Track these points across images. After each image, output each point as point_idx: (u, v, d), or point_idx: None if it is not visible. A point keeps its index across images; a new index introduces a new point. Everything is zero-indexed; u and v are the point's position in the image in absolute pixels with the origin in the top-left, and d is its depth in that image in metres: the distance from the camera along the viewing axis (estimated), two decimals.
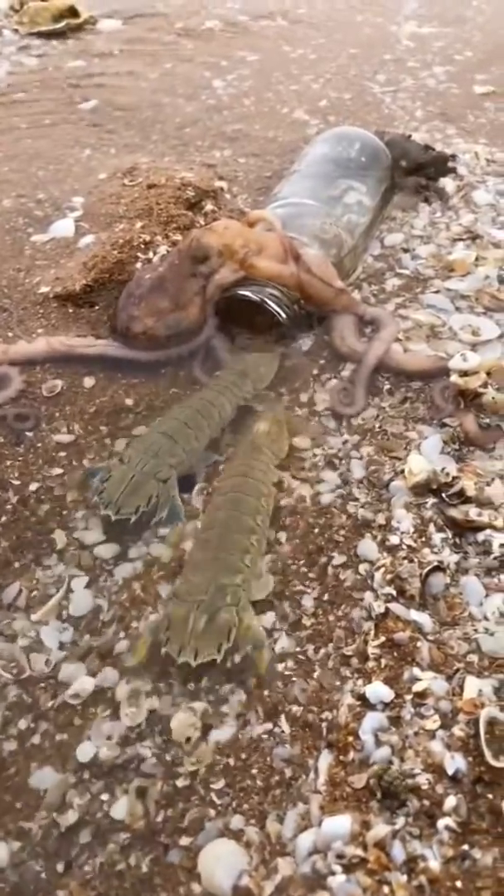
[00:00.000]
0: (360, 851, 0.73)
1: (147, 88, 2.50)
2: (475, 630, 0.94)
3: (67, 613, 1.03)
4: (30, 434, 1.25)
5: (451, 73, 2.61)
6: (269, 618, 0.99)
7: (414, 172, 1.85)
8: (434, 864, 0.72)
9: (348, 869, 0.72)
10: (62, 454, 1.23)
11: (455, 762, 0.79)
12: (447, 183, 1.86)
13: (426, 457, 1.15)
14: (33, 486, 1.18)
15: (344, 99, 2.42)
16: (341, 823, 0.76)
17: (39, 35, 2.92)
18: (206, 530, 1.05)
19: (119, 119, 2.30)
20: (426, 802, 0.77)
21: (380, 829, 0.74)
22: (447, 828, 0.75)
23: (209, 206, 1.74)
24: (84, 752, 0.89)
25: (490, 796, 0.77)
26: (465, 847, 0.73)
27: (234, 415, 1.25)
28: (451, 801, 0.76)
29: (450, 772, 0.79)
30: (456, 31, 2.98)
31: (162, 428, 1.18)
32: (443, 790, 0.78)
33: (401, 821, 0.76)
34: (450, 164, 1.91)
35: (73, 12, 2.97)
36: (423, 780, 0.78)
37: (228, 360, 1.33)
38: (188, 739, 0.87)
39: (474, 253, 1.60)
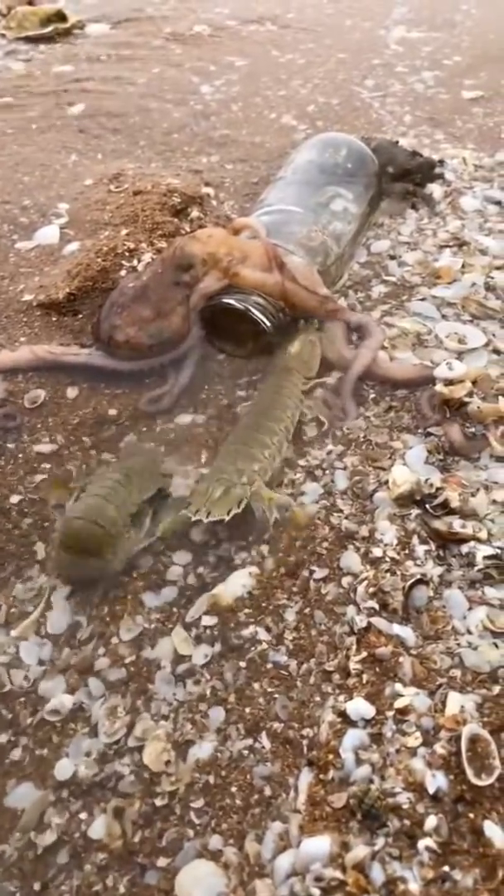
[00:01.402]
0: (338, 874, 0.72)
1: (135, 93, 2.49)
2: (458, 644, 0.93)
3: (45, 630, 1.02)
4: (11, 446, 1.24)
5: (439, 77, 2.61)
6: (252, 630, 0.98)
7: (401, 178, 1.84)
8: (414, 887, 0.71)
9: (327, 892, 0.71)
10: (45, 465, 1.22)
11: (436, 780, 0.78)
12: (434, 189, 1.85)
13: (410, 467, 1.14)
14: (14, 499, 1.16)
15: (332, 104, 2.41)
16: (320, 844, 0.75)
17: (27, 40, 2.91)
18: (233, 433, 1.20)
19: (106, 124, 2.29)
20: (406, 822, 0.76)
21: (359, 851, 0.73)
22: (427, 848, 0.74)
23: (195, 213, 1.73)
24: (62, 769, 0.88)
25: (471, 815, 0.76)
26: (446, 868, 0.72)
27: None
28: (431, 821, 0.75)
29: (431, 790, 0.77)
30: (445, 36, 2.98)
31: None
32: (423, 809, 0.77)
33: (380, 841, 0.75)
34: (437, 169, 1.91)
35: (60, 17, 2.97)
36: (404, 799, 0.77)
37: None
38: (167, 763, 0.86)
39: (461, 260, 1.59)
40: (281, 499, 1.09)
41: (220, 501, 1.05)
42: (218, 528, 1.09)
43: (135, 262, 1.52)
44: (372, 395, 1.30)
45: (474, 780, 0.77)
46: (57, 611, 1.04)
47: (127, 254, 1.52)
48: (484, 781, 0.77)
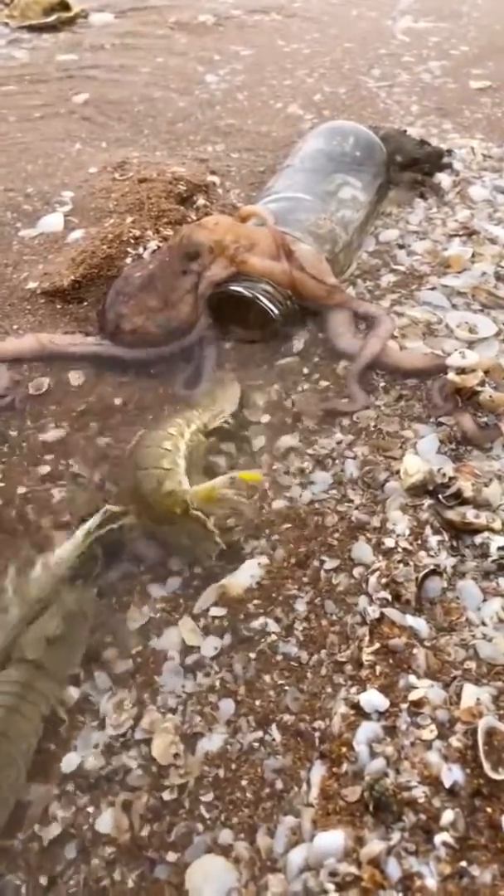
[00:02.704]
0: (353, 869, 0.70)
1: (139, 82, 2.46)
2: (473, 636, 0.91)
3: None
4: (14, 433, 1.22)
5: (446, 67, 2.58)
6: (262, 621, 0.96)
7: (409, 167, 1.82)
8: (431, 882, 0.69)
9: (341, 887, 0.70)
10: (49, 455, 1.20)
11: (452, 774, 0.77)
12: (443, 178, 1.83)
13: (422, 456, 1.12)
14: (20, 490, 1.14)
15: (338, 93, 2.39)
16: (334, 839, 0.73)
17: (30, 28, 2.88)
18: None
19: (110, 113, 2.26)
20: (422, 817, 0.74)
21: (374, 846, 0.71)
22: (444, 843, 0.72)
23: (201, 201, 1.71)
24: (69, 762, 0.86)
25: (489, 810, 0.74)
26: (463, 864, 0.71)
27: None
28: (448, 816, 0.73)
29: (447, 784, 0.76)
30: (451, 26, 2.95)
31: None
32: (440, 804, 0.75)
33: (396, 836, 0.73)
34: (445, 159, 1.88)
35: (64, 6, 2.94)
36: (420, 793, 0.75)
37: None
38: (175, 755, 0.84)
39: (471, 249, 1.57)
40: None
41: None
42: None
43: (140, 249, 1.49)
44: (382, 384, 1.27)
45: (491, 774, 0.76)
46: None
47: (132, 241, 1.50)
48: (501, 775, 0.76)
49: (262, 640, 0.94)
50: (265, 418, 1.24)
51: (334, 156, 1.66)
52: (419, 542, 1.00)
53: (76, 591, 0.92)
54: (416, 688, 0.85)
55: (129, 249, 1.49)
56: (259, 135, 2.14)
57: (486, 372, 1.22)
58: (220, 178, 1.86)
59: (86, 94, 2.37)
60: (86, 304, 1.44)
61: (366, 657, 0.88)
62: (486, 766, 0.76)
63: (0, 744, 0.77)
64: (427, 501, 1.05)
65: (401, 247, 1.62)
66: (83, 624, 0.90)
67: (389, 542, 1.00)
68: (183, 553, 1.03)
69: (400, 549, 0.99)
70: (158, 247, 1.49)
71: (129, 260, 1.46)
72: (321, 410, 1.24)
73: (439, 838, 0.72)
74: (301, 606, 0.97)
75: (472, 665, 0.88)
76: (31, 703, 0.82)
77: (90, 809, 0.82)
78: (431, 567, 0.96)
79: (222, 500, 0.99)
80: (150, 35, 2.87)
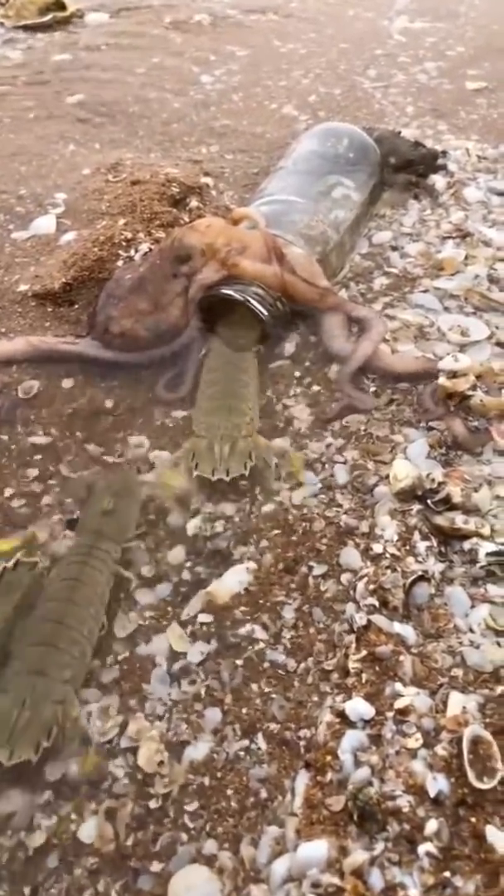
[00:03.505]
0: (336, 880, 0.70)
1: (134, 83, 2.45)
2: (460, 643, 0.90)
3: None
4: (4, 437, 1.21)
5: (442, 68, 2.57)
6: (249, 628, 0.95)
7: (403, 169, 1.81)
8: (414, 893, 0.69)
9: None
10: (38, 457, 1.19)
11: (437, 783, 0.76)
12: (437, 180, 1.82)
13: (412, 461, 1.12)
14: (8, 492, 1.14)
15: (334, 94, 2.38)
16: (317, 849, 0.73)
17: (25, 28, 2.88)
18: (210, 386, 1.21)
19: (105, 114, 2.26)
20: (406, 826, 0.74)
21: (357, 856, 0.71)
22: (428, 854, 0.71)
23: (194, 203, 1.70)
24: (52, 770, 0.85)
25: (473, 820, 0.74)
26: (447, 874, 0.70)
27: (111, 585, 1.00)
28: (432, 825, 0.73)
29: (431, 794, 0.75)
30: (448, 27, 2.94)
31: (38, 635, 0.92)
32: (424, 813, 0.75)
33: (380, 846, 0.72)
34: (440, 160, 1.88)
35: (59, 5, 2.93)
36: (404, 802, 0.75)
37: (80, 522, 1.08)
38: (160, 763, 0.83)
39: (464, 251, 1.56)
40: (276, 446, 1.13)
41: (233, 457, 1.06)
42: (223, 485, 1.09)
43: (132, 251, 1.49)
44: (373, 388, 1.27)
45: (476, 784, 0.75)
46: None
47: (124, 243, 1.50)
48: (486, 785, 0.75)
49: (250, 647, 0.93)
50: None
51: (328, 157, 1.65)
52: (407, 547, 1.00)
53: (123, 475, 1.13)
54: (403, 696, 0.84)
55: (121, 252, 1.48)
56: (253, 136, 2.13)
57: (479, 377, 1.22)
58: (214, 180, 1.86)
59: (80, 95, 2.36)
60: (77, 306, 1.43)
61: (352, 665, 0.87)
62: (471, 776, 0.76)
63: (78, 588, 0.95)
64: (416, 507, 1.05)
65: (394, 249, 1.61)
66: (131, 499, 1.09)
67: (377, 548, 1.00)
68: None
69: (388, 555, 0.99)
70: (150, 249, 1.48)
71: (120, 262, 1.46)
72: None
73: (423, 848, 0.72)
74: (289, 613, 0.96)
75: (458, 672, 0.87)
76: (98, 559, 0.99)
77: (73, 817, 0.82)
78: (419, 573, 0.96)
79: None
80: (146, 35, 2.86)
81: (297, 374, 1.31)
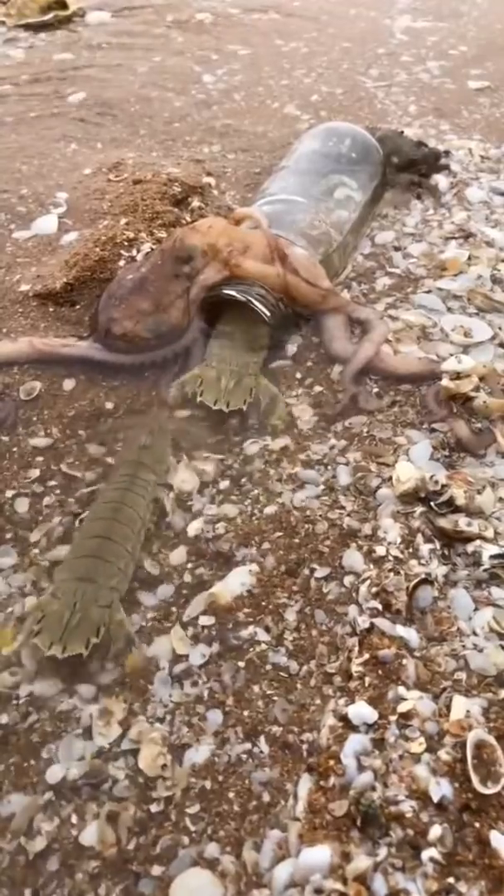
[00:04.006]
0: (339, 885, 0.69)
1: (135, 82, 2.45)
2: (464, 646, 0.90)
3: None
4: (5, 439, 1.21)
5: (445, 67, 2.57)
6: (251, 630, 0.95)
7: (406, 169, 1.81)
8: None
9: None
10: (39, 459, 1.19)
11: (441, 788, 0.76)
12: (440, 180, 1.82)
13: (415, 463, 1.11)
14: (9, 493, 1.14)
15: (336, 94, 2.38)
16: (320, 854, 0.72)
17: (27, 27, 2.87)
18: (226, 324, 1.28)
19: (106, 113, 2.25)
20: (410, 832, 0.73)
21: (361, 862, 0.71)
22: (432, 859, 0.71)
23: (196, 203, 1.70)
24: (53, 773, 0.85)
25: (477, 825, 0.73)
26: (451, 880, 0.70)
27: (152, 508, 1.09)
28: (436, 831, 0.73)
29: (435, 799, 0.75)
30: (450, 26, 2.94)
31: (86, 548, 1.01)
32: (428, 818, 0.74)
33: (383, 851, 0.72)
34: (443, 160, 1.87)
35: (61, 4, 2.92)
36: (407, 807, 0.75)
37: (121, 456, 1.18)
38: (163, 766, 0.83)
39: (467, 252, 1.56)
40: (271, 387, 1.20)
41: (235, 391, 1.12)
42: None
43: (134, 251, 1.48)
44: (375, 390, 1.26)
45: (480, 789, 0.75)
46: None
47: (126, 243, 1.49)
48: (490, 790, 0.75)
49: (252, 649, 0.93)
50: (257, 423, 1.23)
51: (330, 157, 1.65)
52: (410, 550, 0.99)
53: (157, 416, 1.23)
54: (406, 699, 0.84)
55: (123, 252, 1.48)
56: (255, 135, 2.13)
57: (482, 378, 1.21)
58: (216, 180, 1.85)
59: (82, 94, 2.36)
60: (78, 307, 1.43)
61: (355, 668, 0.87)
62: (475, 780, 0.75)
63: (122, 509, 1.04)
64: (419, 509, 1.04)
65: (397, 249, 1.61)
66: (164, 436, 1.19)
67: (381, 551, 0.99)
68: None
69: (391, 558, 0.98)
70: (152, 249, 1.48)
71: (122, 263, 1.45)
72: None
73: (427, 854, 0.71)
74: (291, 616, 0.96)
75: (462, 676, 0.87)
76: (139, 486, 1.08)
77: (75, 821, 0.81)
78: (423, 576, 0.95)
79: None
80: (148, 34, 2.85)
81: (299, 375, 1.31)
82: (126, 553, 1.00)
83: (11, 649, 0.95)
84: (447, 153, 1.91)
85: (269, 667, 0.91)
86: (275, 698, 0.88)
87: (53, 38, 2.83)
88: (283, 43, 2.79)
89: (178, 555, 1.05)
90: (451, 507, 1.03)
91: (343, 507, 1.08)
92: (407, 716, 0.82)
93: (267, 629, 0.95)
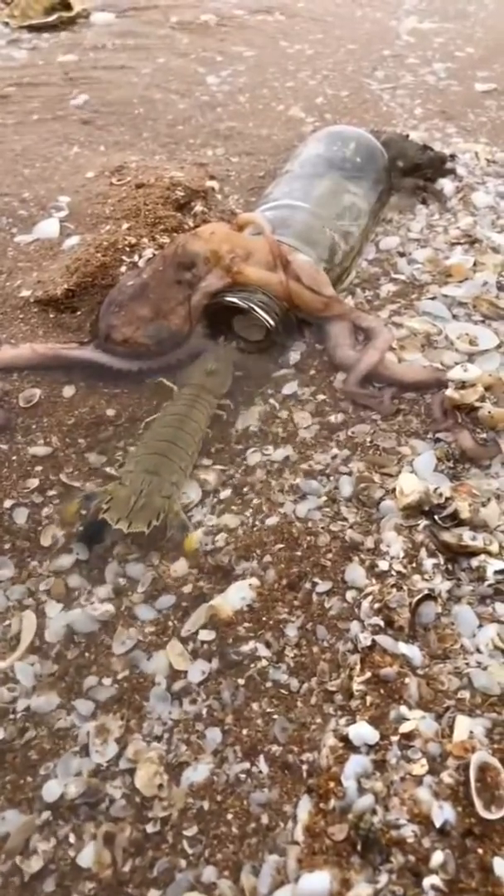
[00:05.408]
0: None
1: (139, 84, 2.43)
2: (467, 664, 0.88)
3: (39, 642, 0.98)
4: (4, 447, 1.20)
5: (451, 69, 2.55)
6: (252, 646, 0.93)
7: (411, 173, 1.79)
8: None
9: None
10: (38, 468, 1.18)
11: (443, 812, 0.74)
12: (445, 184, 1.80)
13: (419, 475, 1.10)
14: (7, 503, 1.12)
15: (341, 96, 2.36)
16: (320, 880, 0.71)
17: (31, 28, 2.86)
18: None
19: (110, 115, 2.24)
20: (411, 858, 0.72)
21: (361, 889, 0.69)
22: (433, 887, 0.69)
23: (199, 207, 1.68)
24: (50, 791, 0.84)
25: (480, 851, 0.72)
26: None
27: (209, 423, 1.22)
28: (438, 857, 0.71)
29: (437, 823, 0.73)
30: (457, 27, 2.91)
31: (153, 448, 1.15)
32: (429, 844, 0.72)
33: (384, 878, 0.70)
34: (448, 164, 1.85)
35: (65, 5, 2.91)
36: (409, 832, 0.73)
37: (184, 376, 1.29)
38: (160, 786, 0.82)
39: (473, 258, 1.54)
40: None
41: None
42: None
43: (136, 257, 1.47)
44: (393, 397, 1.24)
45: (483, 814, 0.73)
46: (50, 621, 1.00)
47: (128, 249, 1.48)
48: (494, 815, 0.73)
49: (252, 665, 0.91)
50: (260, 430, 1.22)
51: (334, 161, 1.63)
52: (414, 564, 0.98)
53: (223, 347, 1.33)
54: (408, 719, 0.82)
55: (124, 257, 1.46)
56: (259, 138, 2.11)
57: (487, 387, 1.20)
58: (219, 184, 1.84)
59: (85, 96, 2.34)
60: (79, 313, 1.41)
61: (356, 687, 0.85)
62: (478, 805, 0.74)
63: (188, 421, 1.18)
64: (423, 522, 1.02)
65: (401, 255, 1.59)
66: (228, 365, 1.29)
67: (383, 565, 0.98)
68: None
69: (394, 573, 0.97)
70: (154, 255, 1.46)
71: (123, 268, 1.44)
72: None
73: (428, 881, 0.70)
74: (292, 631, 0.94)
75: (465, 695, 0.85)
76: (201, 404, 1.21)
77: (73, 841, 0.80)
78: (426, 591, 0.94)
79: None
80: (152, 35, 2.84)
81: (302, 382, 1.29)
82: (187, 456, 1.14)
83: (75, 524, 1.08)
84: (453, 157, 1.89)
85: (269, 684, 0.90)
86: (275, 716, 0.87)
87: (57, 39, 2.82)
88: (288, 44, 2.78)
89: (178, 567, 1.03)
90: (456, 520, 1.01)
91: (345, 519, 1.06)
92: (409, 736, 0.81)
93: (267, 645, 0.93)
